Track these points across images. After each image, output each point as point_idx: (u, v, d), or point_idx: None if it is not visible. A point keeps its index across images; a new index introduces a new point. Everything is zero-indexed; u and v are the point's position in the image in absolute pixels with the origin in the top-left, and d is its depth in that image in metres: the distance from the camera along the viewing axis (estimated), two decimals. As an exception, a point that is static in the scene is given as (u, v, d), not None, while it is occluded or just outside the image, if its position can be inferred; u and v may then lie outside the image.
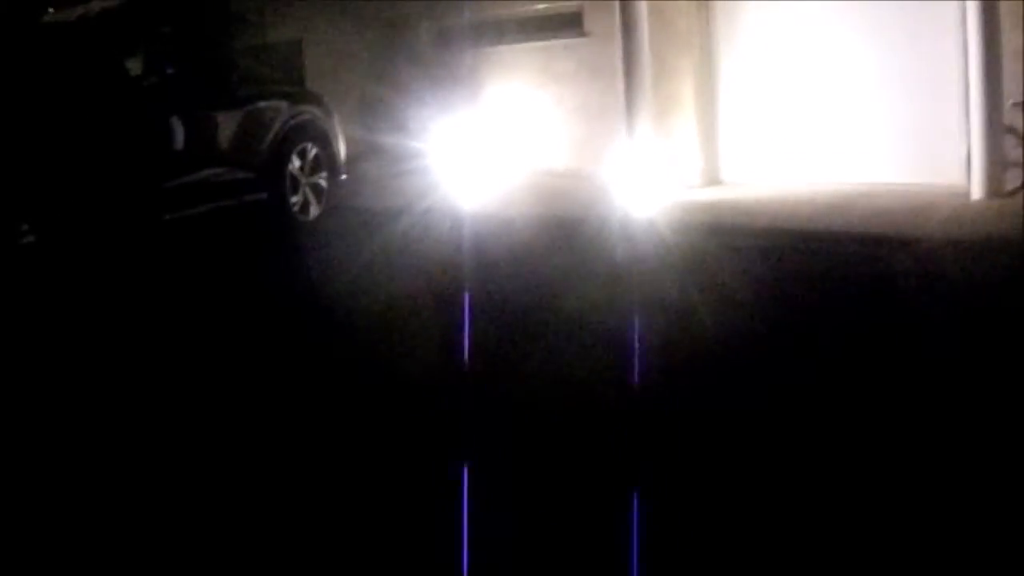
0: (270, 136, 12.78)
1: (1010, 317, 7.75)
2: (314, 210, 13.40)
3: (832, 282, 9.92)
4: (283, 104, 13.11)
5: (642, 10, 16.10)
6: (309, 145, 13.32)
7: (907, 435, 5.84)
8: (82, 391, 7.35)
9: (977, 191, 14.05)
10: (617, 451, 5.05)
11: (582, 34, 18.14)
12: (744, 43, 17.05)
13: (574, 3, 18.22)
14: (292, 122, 13.11)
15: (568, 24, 18.38)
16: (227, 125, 12.35)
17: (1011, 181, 14.16)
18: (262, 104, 12.80)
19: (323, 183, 13.54)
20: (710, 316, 8.38)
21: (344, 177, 13.97)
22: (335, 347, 8.23)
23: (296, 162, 13.10)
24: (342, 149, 13.92)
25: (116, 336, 8.68)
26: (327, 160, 13.61)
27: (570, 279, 9.95)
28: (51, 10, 18.68)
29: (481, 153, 16.88)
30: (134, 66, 11.83)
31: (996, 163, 14.04)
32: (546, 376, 7.29)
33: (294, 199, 13.07)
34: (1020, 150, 14.24)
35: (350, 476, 5.77)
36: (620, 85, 16.33)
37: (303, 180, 13.21)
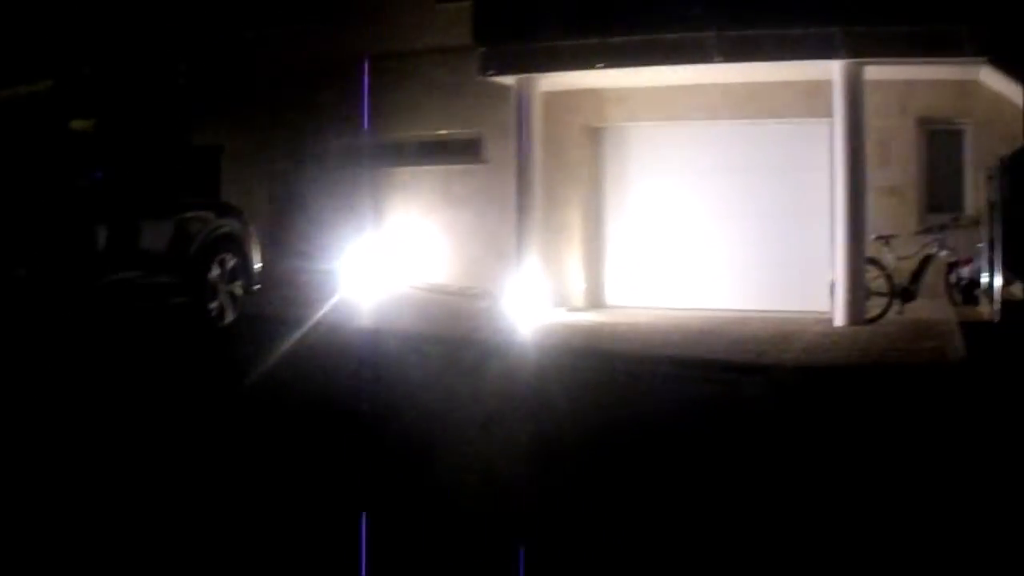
0: (195, 245, 13.05)
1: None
2: (229, 316, 13.71)
3: (675, 412, 10.07)
4: (209, 215, 13.52)
5: (536, 141, 17.18)
6: (228, 255, 13.65)
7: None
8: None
9: (840, 318, 15.26)
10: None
11: (480, 160, 19.07)
12: (629, 177, 18.27)
13: (473, 131, 19.12)
14: (215, 233, 13.41)
15: (467, 150, 19.27)
16: (158, 232, 12.67)
17: (876, 309, 15.40)
18: (190, 214, 13.12)
19: (238, 291, 13.82)
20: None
21: (257, 287, 14.37)
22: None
23: (215, 271, 13.45)
24: (257, 261, 14.31)
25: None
26: (243, 271, 13.92)
27: (439, 393, 10.46)
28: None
29: (380, 267, 17.76)
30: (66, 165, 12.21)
31: (858, 292, 15.27)
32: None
33: (212, 305, 13.34)
34: (883, 280, 15.43)
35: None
36: (514, 211, 17.25)
37: (221, 288, 13.58)
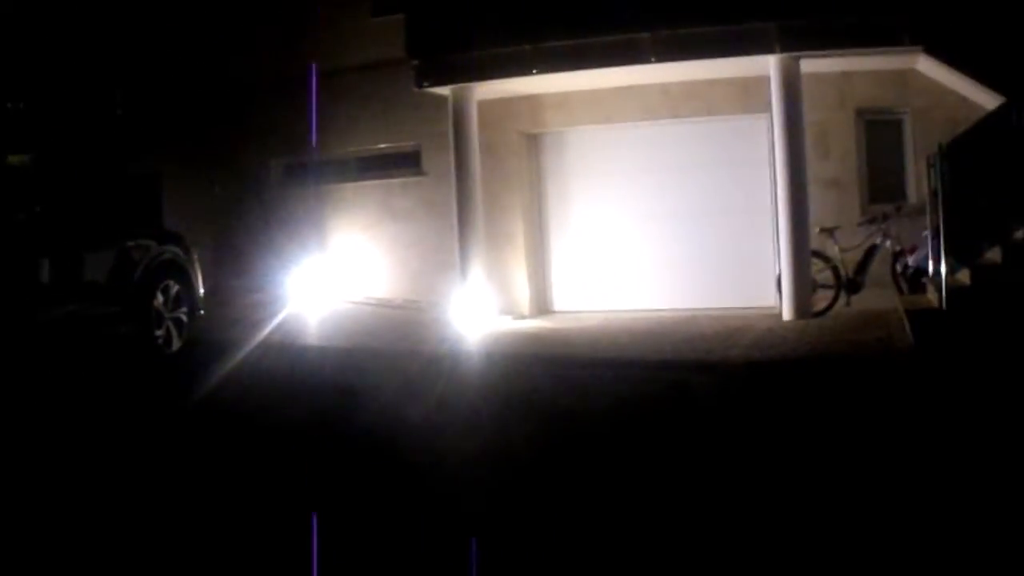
0: (137, 273, 12.96)
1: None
2: (176, 343, 13.60)
3: (622, 413, 10.02)
4: (151, 243, 13.41)
5: (475, 151, 17.09)
6: (172, 282, 13.55)
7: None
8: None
9: (788, 312, 15.27)
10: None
11: (420, 173, 18.95)
12: (570, 181, 18.25)
13: (412, 143, 19.03)
14: (157, 260, 13.32)
15: (406, 163, 19.17)
16: (98, 263, 12.58)
17: (823, 302, 15.42)
18: (131, 243, 13.01)
19: (184, 318, 13.74)
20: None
21: (202, 312, 14.28)
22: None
23: (160, 298, 13.35)
24: (201, 286, 14.21)
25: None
26: (187, 296, 13.83)
27: (386, 419, 10.15)
28: None
29: (325, 285, 17.69)
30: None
31: (804, 285, 15.28)
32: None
33: (158, 333, 13.24)
34: (829, 272, 15.48)
35: None
36: (455, 221, 17.16)
37: (166, 315, 13.47)
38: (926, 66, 15.40)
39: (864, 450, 7.92)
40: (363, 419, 9.85)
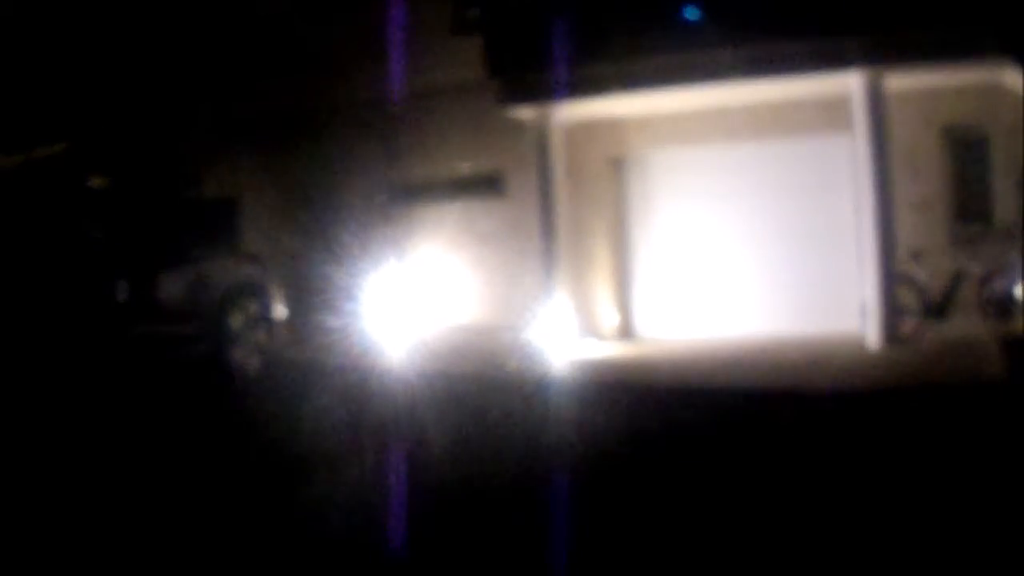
0: (214, 295, 13.17)
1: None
2: (254, 363, 13.74)
3: (716, 449, 9.60)
4: (229, 264, 13.60)
5: (558, 173, 17.04)
6: (250, 304, 13.73)
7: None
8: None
9: (873, 339, 14.90)
10: None
11: (504, 195, 18.89)
12: (654, 204, 18.08)
13: (495, 165, 18.96)
14: (236, 282, 13.53)
15: (490, 185, 19.10)
16: (177, 283, 12.75)
17: (908, 327, 15.03)
18: (210, 265, 13.22)
19: (263, 339, 13.92)
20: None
21: (282, 334, 14.34)
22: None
23: (238, 319, 13.47)
24: (279, 307, 14.32)
25: None
26: (265, 318, 13.99)
27: (470, 452, 9.83)
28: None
29: (407, 307, 17.55)
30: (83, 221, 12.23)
31: (890, 312, 14.90)
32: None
33: (236, 353, 13.41)
34: (914, 297, 15.12)
35: None
36: (539, 244, 17.08)
37: (245, 336, 13.59)
38: (1014, 80, 15.00)
39: (963, 492, 7.61)
40: (438, 451, 9.63)
